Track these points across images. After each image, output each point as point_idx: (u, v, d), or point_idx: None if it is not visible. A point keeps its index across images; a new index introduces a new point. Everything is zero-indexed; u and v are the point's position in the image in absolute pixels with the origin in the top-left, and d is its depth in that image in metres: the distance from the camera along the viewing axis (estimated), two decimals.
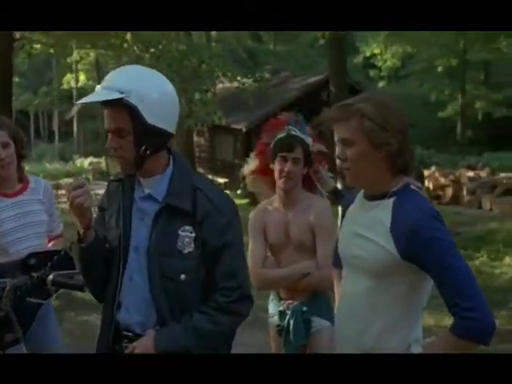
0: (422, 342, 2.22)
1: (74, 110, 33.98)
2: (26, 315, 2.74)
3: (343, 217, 2.39)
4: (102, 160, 26.79)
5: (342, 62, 12.01)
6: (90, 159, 29.41)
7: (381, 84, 29.90)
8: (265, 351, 4.19)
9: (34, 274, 2.29)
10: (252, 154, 3.45)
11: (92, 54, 21.27)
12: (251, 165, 3.43)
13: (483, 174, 17.04)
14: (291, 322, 3.21)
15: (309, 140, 3.26)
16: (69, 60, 24.00)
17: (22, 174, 3.18)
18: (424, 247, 1.99)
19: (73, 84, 31.91)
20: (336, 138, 2.17)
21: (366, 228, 2.17)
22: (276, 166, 3.20)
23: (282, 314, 3.27)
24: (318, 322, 3.20)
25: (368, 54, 23.68)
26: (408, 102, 23.55)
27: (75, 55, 21.10)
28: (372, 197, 2.20)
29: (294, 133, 3.24)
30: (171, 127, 2.14)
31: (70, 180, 3.29)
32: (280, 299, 3.30)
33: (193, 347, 2.10)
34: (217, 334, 2.18)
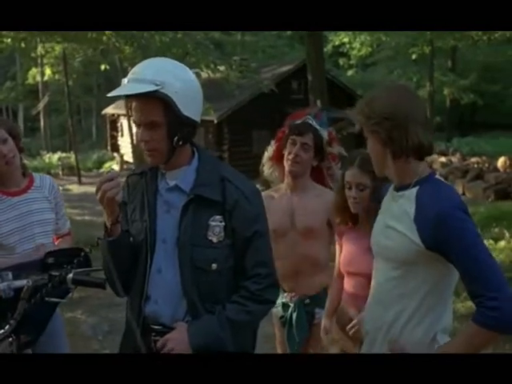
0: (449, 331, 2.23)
1: (40, 104, 33.48)
2: (43, 315, 2.70)
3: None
4: (71, 155, 26.47)
5: (320, 50, 12.09)
6: (59, 154, 29.05)
7: (350, 72, 30.12)
8: (265, 344, 4.20)
9: (54, 273, 2.24)
10: (272, 142, 3.45)
11: (57, 48, 20.91)
12: (270, 151, 3.44)
13: (454, 159, 17.33)
14: (294, 316, 3.24)
15: (324, 133, 3.27)
16: (33, 54, 23.57)
17: (25, 169, 3.13)
18: (448, 238, 1.99)
19: (38, 78, 31.39)
20: None
21: (394, 218, 2.19)
22: (286, 150, 3.23)
23: (284, 305, 3.30)
24: (322, 313, 3.20)
25: (337, 43, 23.76)
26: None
27: (40, 49, 20.73)
28: (398, 187, 2.23)
29: (308, 121, 3.26)
30: (198, 117, 2.14)
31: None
32: (284, 291, 3.31)
33: (227, 338, 2.11)
34: (249, 324, 2.22)
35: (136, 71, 2.06)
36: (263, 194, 3.39)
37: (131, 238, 2.18)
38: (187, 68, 2.14)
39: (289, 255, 3.24)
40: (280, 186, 3.37)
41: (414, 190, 2.15)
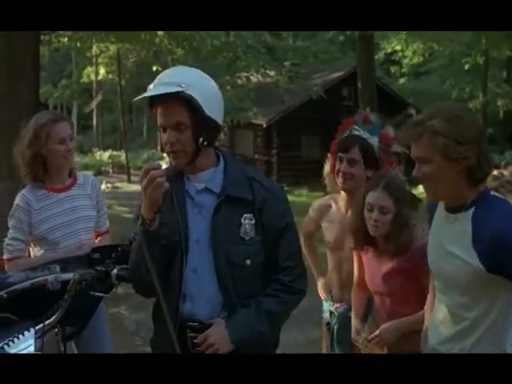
0: None
1: (94, 103, 34.15)
2: (87, 309, 2.78)
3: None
4: (122, 153, 26.91)
5: (371, 56, 12.04)
6: (110, 152, 29.56)
7: (402, 80, 29.77)
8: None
9: (99, 268, 2.31)
10: (329, 154, 3.40)
11: (111, 48, 21.32)
12: (327, 165, 3.39)
13: (506, 172, 16.91)
14: (335, 328, 3.26)
15: (374, 140, 3.13)
16: (89, 54, 24.07)
17: (71, 169, 3.24)
18: (510, 261, 1.95)
19: (93, 77, 31.98)
20: (412, 156, 2.12)
21: (451, 242, 2.14)
22: (336, 167, 3.18)
23: (331, 313, 3.34)
24: None
25: (389, 51, 23.55)
26: (429, 99, 23.42)
27: (95, 49, 21.21)
28: (452, 209, 2.16)
29: (355, 133, 3.15)
30: (221, 120, 2.21)
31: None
32: (331, 299, 3.35)
33: (266, 331, 2.19)
34: (284, 315, 2.32)
35: (161, 77, 2.15)
36: (320, 201, 3.44)
37: (163, 241, 2.18)
38: (205, 73, 2.22)
39: (338, 269, 3.29)
40: (337, 195, 3.32)
41: (470, 212, 2.08)
